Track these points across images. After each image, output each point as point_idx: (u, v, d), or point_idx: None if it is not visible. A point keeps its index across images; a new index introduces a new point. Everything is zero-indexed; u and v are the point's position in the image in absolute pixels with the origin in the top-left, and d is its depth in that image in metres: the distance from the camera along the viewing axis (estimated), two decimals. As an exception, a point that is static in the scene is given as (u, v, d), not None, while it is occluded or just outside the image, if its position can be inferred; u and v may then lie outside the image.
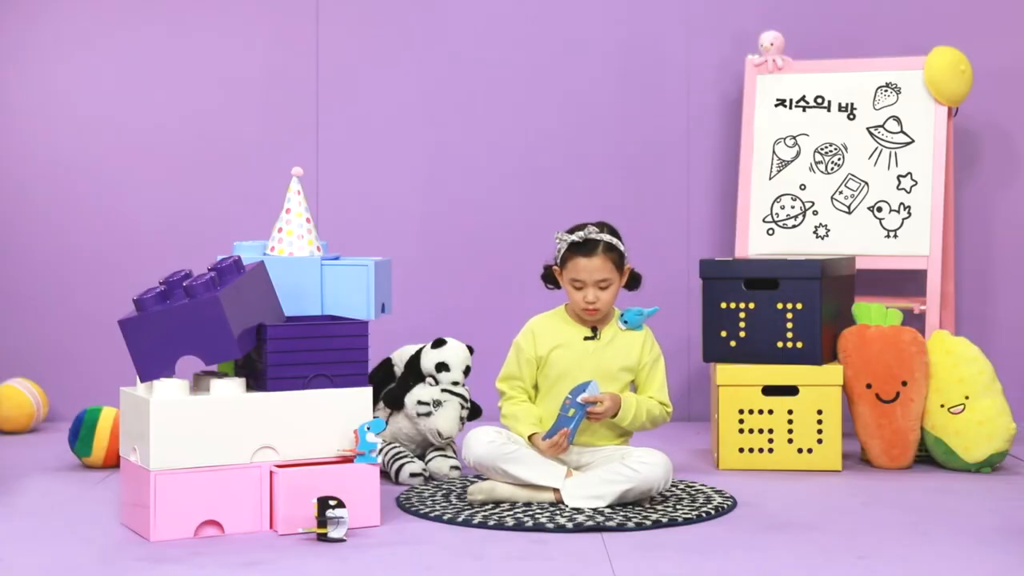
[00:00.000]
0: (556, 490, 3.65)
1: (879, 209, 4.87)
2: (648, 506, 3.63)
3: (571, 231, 3.80)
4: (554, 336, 3.84)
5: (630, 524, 3.46)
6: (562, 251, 3.80)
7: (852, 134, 4.93)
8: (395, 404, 4.12)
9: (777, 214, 4.95)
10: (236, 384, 3.44)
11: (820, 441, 4.19)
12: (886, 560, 3.16)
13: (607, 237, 3.78)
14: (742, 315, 4.27)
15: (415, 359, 4.14)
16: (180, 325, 3.35)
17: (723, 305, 4.30)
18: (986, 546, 3.28)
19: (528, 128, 5.20)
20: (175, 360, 3.37)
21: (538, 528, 3.43)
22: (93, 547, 3.29)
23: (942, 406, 4.19)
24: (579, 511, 3.56)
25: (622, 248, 3.81)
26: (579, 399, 3.69)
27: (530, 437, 3.73)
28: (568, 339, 3.83)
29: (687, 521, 3.51)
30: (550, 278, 3.90)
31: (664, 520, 3.50)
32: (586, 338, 3.83)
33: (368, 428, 3.47)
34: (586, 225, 3.79)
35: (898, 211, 4.85)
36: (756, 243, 4.94)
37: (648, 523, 3.47)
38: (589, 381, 3.72)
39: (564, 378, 3.79)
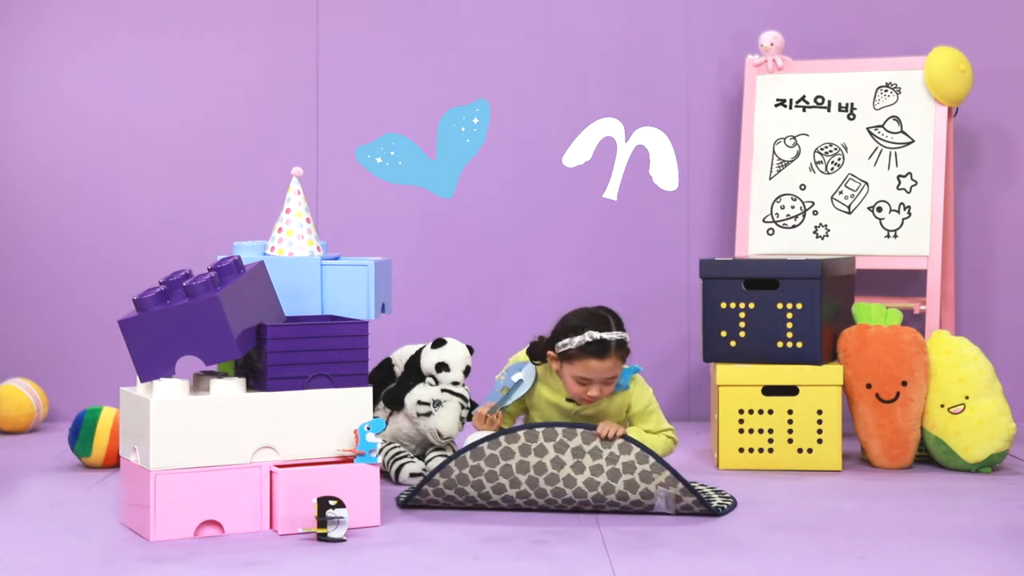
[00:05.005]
0: None
1: (879, 209, 4.87)
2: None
3: (572, 325, 3.60)
4: (545, 382, 3.77)
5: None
6: (569, 348, 3.61)
7: (852, 134, 4.93)
8: (395, 404, 4.12)
9: (777, 214, 4.95)
10: (236, 384, 3.44)
11: (820, 441, 4.19)
12: (886, 560, 3.16)
13: (619, 336, 3.61)
14: (742, 315, 4.27)
15: (415, 359, 4.14)
16: (180, 325, 3.35)
17: (723, 305, 4.30)
18: (986, 546, 3.28)
19: (528, 128, 5.20)
20: (175, 360, 3.37)
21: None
22: (93, 547, 3.29)
23: (942, 406, 4.19)
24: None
25: (628, 340, 3.66)
26: (512, 382, 3.71)
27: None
28: (551, 397, 3.76)
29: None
30: (539, 355, 3.71)
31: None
32: (568, 399, 3.75)
33: (368, 428, 3.47)
34: (593, 313, 3.63)
35: (898, 211, 4.85)
36: (756, 243, 4.94)
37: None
38: (525, 363, 3.72)
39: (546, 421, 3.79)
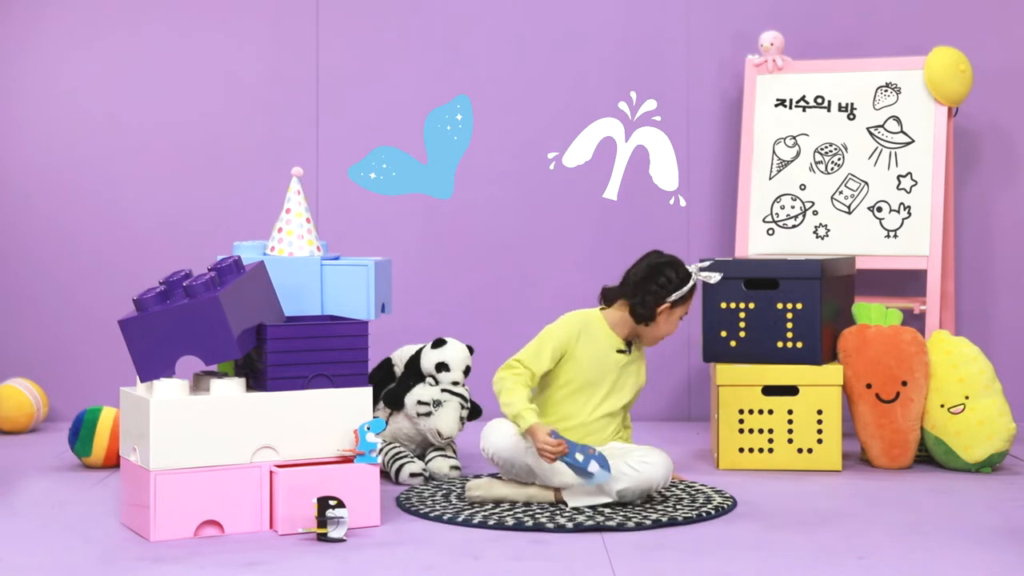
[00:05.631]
0: (556, 489, 3.66)
1: (879, 209, 4.87)
2: (648, 505, 3.63)
3: (675, 274, 3.79)
4: (591, 338, 3.78)
5: (630, 524, 3.46)
6: (685, 292, 3.80)
7: (852, 134, 4.93)
8: (395, 404, 4.12)
9: (777, 214, 4.95)
10: (236, 384, 3.44)
11: (820, 441, 4.19)
12: (886, 560, 3.16)
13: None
14: (742, 315, 4.27)
15: (415, 359, 4.14)
16: (180, 325, 3.35)
17: (723, 305, 4.30)
18: (985, 546, 3.28)
19: (528, 128, 5.20)
20: (175, 360, 3.37)
21: (538, 528, 3.43)
22: (93, 547, 3.29)
23: (942, 406, 4.19)
24: (579, 511, 3.57)
25: None
26: (590, 463, 3.52)
27: (531, 426, 3.57)
28: (605, 348, 3.78)
29: (687, 521, 3.51)
30: (650, 314, 3.79)
31: (664, 520, 3.50)
32: (619, 351, 3.81)
33: (368, 428, 3.47)
34: (672, 257, 3.85)
35: (898, 211, 4.85)
36: (756, 243, 4.94)
37: (648, 523, 3.47)
38: (608, 462, 3.55)
39: (586, 388, 3.76)
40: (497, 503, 3.66)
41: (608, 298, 3.85)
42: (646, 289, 3.77)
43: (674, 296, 3.78)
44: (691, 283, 3.81)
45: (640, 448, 3.72)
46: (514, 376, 3.69)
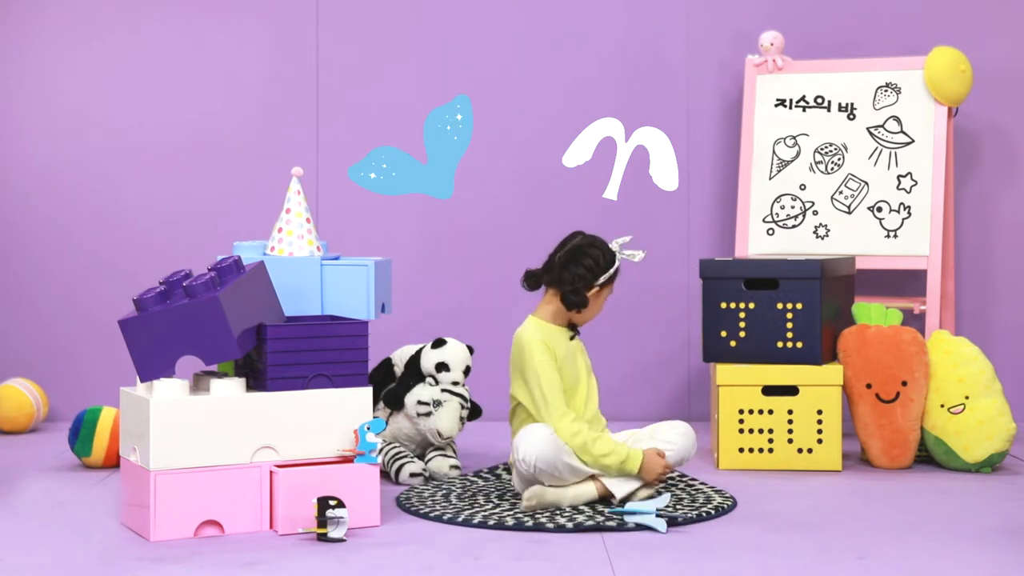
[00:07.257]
0: (598, 480, 3.64)
1: (879, 209, 4.87)
2: (658, 496, 3.64)
3: (600, 251, 3.74)
4: (555, 343, 3.74)
5: (630, 524, 3.46)
6: (615, 270, 3.76)
7: (852, 134, 4.93)
8: (395, 404, 4.12)
9: (777, 214, 4.95)
10: (236, 384, 3.44)
11: (820, 441, 4.19)
12: (886, 560, 3.16)
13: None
14: (742, 315, 4.27)
15: (415, 359, 4.14)
16: (180, 325, 3.35)
17: (723, 305, 4.30)
18: (986, 546, 3.28)
19: (527, 128, 5.20)
20: (175, 360, 3.37)
21: (538, 528, 3.43)
22: (93, 547, 3.29)
23: (942, 406, 4.19)
24: (579, 511, 3.57)
25: None
26: (646, 521, 3.51)
27: (646, 455, 3.66)
28: (563, 343, 3.76)
29: (687, 521, 3.51)
30: (581, 301, 3.72)
31: (664, 520, 3.50)
32: (570, 338, 3.79)
33: (368, 428, 3.47)
34: (592, 236, 3.80)
35: (898, 211, 4.85)
36: (756, 243, 4.94)
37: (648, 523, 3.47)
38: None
39: (572, 389, 3.74)
40: (550, 509, 3.61)
41: (533, 282, 3.80)
42: (575, 274, 3.71)
43: (601, 279, 3.73)
44: (616, 264, 3.75)
45: (664, 424, 3.79)
46: (578, 424, 3.65)
